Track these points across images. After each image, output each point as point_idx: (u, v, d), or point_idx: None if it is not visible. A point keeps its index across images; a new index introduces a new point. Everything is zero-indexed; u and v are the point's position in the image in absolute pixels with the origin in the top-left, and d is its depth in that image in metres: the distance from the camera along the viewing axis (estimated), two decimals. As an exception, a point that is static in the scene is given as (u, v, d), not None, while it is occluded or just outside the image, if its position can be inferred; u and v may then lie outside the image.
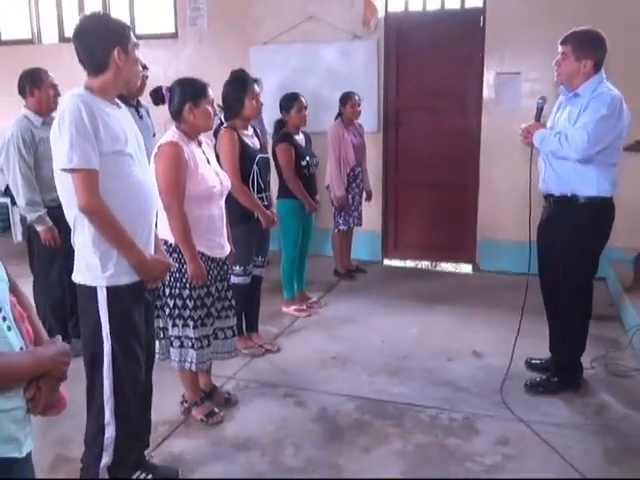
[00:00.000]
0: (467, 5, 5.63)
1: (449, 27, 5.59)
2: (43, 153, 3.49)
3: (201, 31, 6.29)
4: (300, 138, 4.46)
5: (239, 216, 3.47)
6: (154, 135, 3.97)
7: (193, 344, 2.91)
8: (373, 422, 3.09)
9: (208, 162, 2.92)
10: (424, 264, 6.14)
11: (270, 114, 4.63)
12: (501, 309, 4.41)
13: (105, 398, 2.27)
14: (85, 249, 2.20)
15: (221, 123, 3.84)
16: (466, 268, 5.93)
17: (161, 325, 2.95)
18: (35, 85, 3.70)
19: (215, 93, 2.93)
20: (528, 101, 4.90)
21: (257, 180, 3.63)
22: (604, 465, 2.71)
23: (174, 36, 6.46)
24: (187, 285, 2.85)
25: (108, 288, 2.20)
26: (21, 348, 1.42)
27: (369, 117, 5.66)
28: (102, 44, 2.16)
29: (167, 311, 2.91)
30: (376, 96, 5.79)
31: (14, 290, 1.55)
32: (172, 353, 2.95)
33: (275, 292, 4.70)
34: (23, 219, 3.79)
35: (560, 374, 3.36)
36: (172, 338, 2.93)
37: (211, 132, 3.69)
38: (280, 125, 4.47)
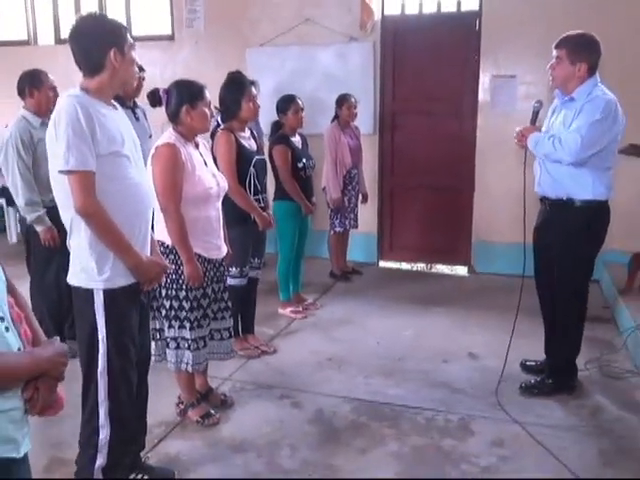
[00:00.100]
0: (463, 8, 5.65)
1: (445, 30, 5.61)
2: (41, 154, 3.49)
3: (197, 33, 6.30)
4: (297, 140, 4.47)
5: (236, 218, 3.47)
6: (150, 137, 3.98)
7: (189, 345, 2.91)
8: (369, 424, 3.09)
9: (205, 164, 2.92)
10: (420, 266, 6.15)
11: (267, 116, 4.64)
12: (496, 311, 4.42)
13: (100, 400, 2.27)
14: (81, 251, 2.20)
15: (218, 125, 3.85)
16: (461, 270, 5.95)
17: (157, 326, 2.95)
18: (34, 86, 3.71)
19: (212, 95, 2.94)
20: (523, 104, 4.93)
21: (254, 182, 3.64)
22: (598, 466, 2.72)
23: (170, 38, 6.47)
24: (183, 286, 2.85)
25: (104, 291, 2.20)
26: (19, 349, 1.42)
27: (365, 119, 5.68)
28: (98, 45, 2.15)
29: (163, 312, 2.91)
30: (372, 98, 5.81)
31: (12, 291, 1.55)
32: (168, 354, 2.95)
33: (271, 294, 4.71)
34: (22, 219, 3.79)
35: (555, 376, 3.37)
36: (168, 339, 2.93)
37: (208, 134, 3.70)
38: (277, 127, 4.48)
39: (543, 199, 3.31)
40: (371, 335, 4.24)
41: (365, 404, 3.28)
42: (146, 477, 2.55)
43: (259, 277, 3.96)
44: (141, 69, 3.96)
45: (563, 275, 3.25)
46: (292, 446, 2.89)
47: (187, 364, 2.94)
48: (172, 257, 2.81)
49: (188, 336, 2.91)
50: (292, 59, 5.94)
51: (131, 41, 2.23)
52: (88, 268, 2.19)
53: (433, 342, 4.11)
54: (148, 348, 2.59)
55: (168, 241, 2.80)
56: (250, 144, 3.65)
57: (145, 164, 2.58)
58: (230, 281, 3.44)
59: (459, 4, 5.65)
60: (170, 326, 2.91)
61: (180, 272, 2.82)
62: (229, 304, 3.14)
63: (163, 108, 2.88)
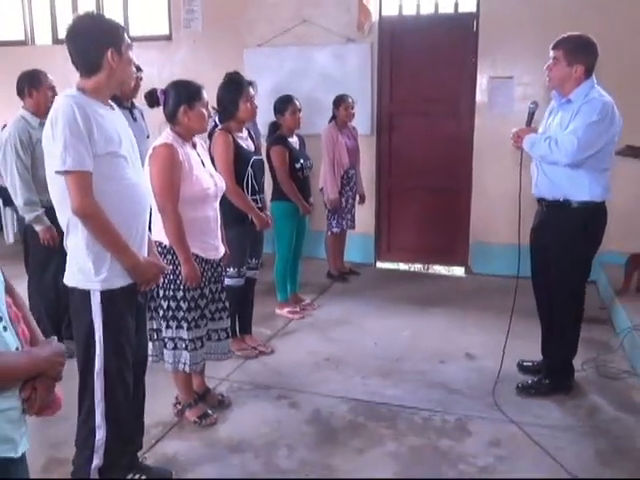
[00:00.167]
0: (460, 9, 5.66)
1: (443, 31, 5.62)
2: (40, 154, 3.46)
3: (195, 33, 6.30)
4: (294, 141, 4.47)
5: (233, 218, 3.47)
6: (148, 137, 3.98)
7: (187, 345, 2.91)
8: (366, 424, 3.10)
9: (203, 164, 2.92)
10: (417, 267, 6.16)
11: (264, 117, 4.63)
12: (493, 311, 4.42)
13: (96, 401, 2.27)
14: (78, 252, 2.19)
15: (215, 125, 3.85)
16: (459, 271, 5.96)
17: (155, 327, 2.95)
18: (34, 86, 3.71)
19: (209, 95, 2.94)
20: (521, 105, 4.93)
21: (251, 182, 3.64)
22: (595, 466, 2.73)
23: (168, 38, 6.46)
24: (181, 287, 2.85)
25: (101, 292, 2.20)
26: (17, 348, 1.42)
27: (363, 120, 5.68)
28: (95, 45, 2.15)
29: (161, 312, 2.91)
30: (370, 99, 5.82)
31: (9, 291, 1.55)
32: (166, 354, 2.95)
33: (269, 294, 4.71)
34: (20, 219, 3.79)
35: (552, 376, 3.38)
36: (166, 339, 2.93)
37: (205, 134, 3.71)
38: (274, 128, 4.48)
39: (540, 200, 3.32)
40: (368, 335, 4.24)
41: (362, 404, 3.29)
42: (143, 477, 2.54)
43: (257, 277, 3.96)
44: (139, 69, 3.97)
45: (560, 276, 3.26)
46: (289, 446, 2.89)
47: (184, 364, 2.94)
48: (170, 257, 2.81)
49: (185, 336, 2.90)
50: (290, 60, 5.95)
51: (128, 41, 2.23)
52: (85, 269, 2.19)
53: (430, 343, 4.11)
54: (145, 348, 2.59)
55: (166, 241, 2.80)
56: (248, 144, 3.65)
57: (143, 164, 2.59)
58: (228, 281, 3.44)
59: (457, 5, 5.66)
60: (168, 326, 2.91)
61: (178, 272, 2.82)
62: (226, 304, 3.14)
63: (161, 108, 2.88)
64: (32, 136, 3.61)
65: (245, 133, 3.69)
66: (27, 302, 2.05)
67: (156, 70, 5.85)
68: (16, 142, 3.58)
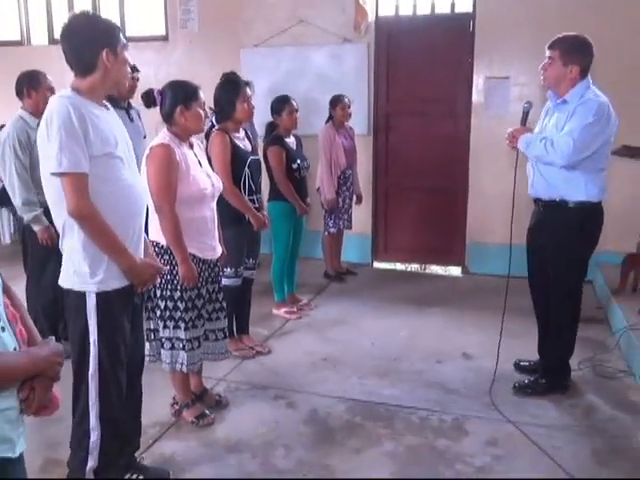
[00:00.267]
0: (457, 10, 5.67)
1: (439, 32, 5.63)
2: (38, 154, 3.49)
3: (192, 33, 6.29)
4: (291, 141, 4.47)
5: (230, 218, 3.47)
6: (145, 137, 3.97)
7: (184, 346, 2.91)
8: (364, 424, 3.10)
9: (200, 164, 2.92)
10: (414, 267, 6.16)
11: (261, 117, 4.64)
12: (490, 311, 4.40)
13: (90, 403, 2.26)
14: (74, 254, 2.18)
15: (212, 125, 3.85)
16: (455, 271, 5.97)
17: (152, 327, 2.95)
18: (32, 87, 3.71)
19: (206, 95, 2.94)
20: (517, 105, 4.92)
21: (248, 182, 3.64)
22: (592, 466, 2.74)
23: (165, 38, 6.45)
24: (178, 287, 2.85)
25: (97, 294, 2.19)
26: (15, 349, 1.42)
27: (359, 120, 5.68)
28: (91, 44, 2.13)
29: (158, 313, 2.91)
30: (366, 99, 5.82)
31: (7, 291, 1.55)
32: (163, 355, 2.95)
33: (266, 294, 4.71)
34: (18, 220, 3.78)
35: (548, 376, 3.39)
36: (163, 340, 2.93)
37: (202, 134, 3.70)
38: (271, 128, 4.48)
39: (536, 200, 3.33)
40: (365, 335, 4.25)
41: (360, 404, 3.29)
42: (141, 477, 2.55)
43: (254, 277, 3.96)
44: (136, 70, 3.97)
45: (557, 276, 3.26)
46: (287, 446, 2.90)
47: (182, 364, 2.94)
48: (167, 257, 2.81)
49: (183, 336, 2.90)
50: (286, 60, 5.95)
51: (124, 41, 2.21)
52: (81, 271, 2.18)
53: (427, 342, 4.12)
54: (142, 348, 2.59)
55: (163, 241, 2.80)
56: (245, 145, 3.65)
57: (139, 165, 2.58)
58: (225, 281, 3.44)
59: (453, 5, 5.67)
60: (165, 326, 2.91)
61: (175, 272, 2.82)
62: (224, 304, 3.14)
63: (157, 109, 2.88)
64: (31, 136, 3.61)
65: (242, 133, 3.69)
66: (25, 303, 2.05)
67: (153, 70, 5.85)
68: (15, 142, 3.59)
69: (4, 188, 3.75)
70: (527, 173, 3.35)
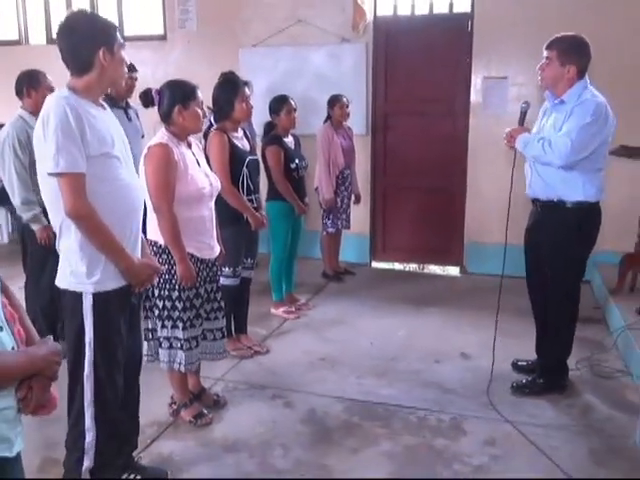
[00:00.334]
0: (455, 10, 5.67)
1: (437, 32, 5.63)
2: None
3: (190, 33, 6.29)
4: (289, 141, 4.47)
5: (228, 218, 3.47)
6: (143, 137, 3.98)
7: (182, 345, 2.91)
8: (361, 423, 3.10)
9: (198, 164, 2.92)
10: (412, 267, 6.16)
11: (259, 116, 4.64)
12: (488, 311, 4.39)
13: (86, 404, 2.26)
14: (71, 254, 2.18)
15: (211, 125, 3.85)
16: (453, 271, 5.97)
17: (150, 326, 2.95)
18: (32, 86, 3.71)
19: (204, 95, 2.93)
20: (515, 105, 4.89)
21: (247, 182, 3.64)
22: (589, 465, 2.74)
23: (163, 38, 6.45)
24: (176, 286, 2.85)
25: (94, 294, 2.18)
26: (13, 348, 1.42)
27: (358, 120, 5.69)
28: (87, 43, 2.12)
29: (156, 312, 2.91)
30: (365, 99, 5.82)
31: (5, 291, 1.55)
32: (161, 354, 2.95)
33: (264, 294, 4.71)
34: (17, 219, 3.78)
35: (546, 376, 3.39)
36: (161, 339, 2.93)
37: (201, 134, 3.70)
38: (269, 127, 4.48)
39: (534, 201, 3.33)
40: (364, 335, 4.25)
41: (358, 404, 3.29)
42: (139, 477, 2.54)
43: (252, 277, 3.96)
44: (134, 69, 3.97)
45: (555, 276, 3.27)
46: (284, 446, 2.90)
47: (180, 364, 2.94)
48: (165, 257, 2.81)
49: (181, 336, 2.90)
50: (285, 60, 5.95)
51: (121, 40, 2.20)
52: (78, 271, 2.17)
53: (425, 342, 4.12)
54: (139, 348, 2.59)
55: (161, 241, 2.80)
56: (243, 144, 3.65)
57: (137, 164, 2.58)
58: (223, 281, 3.44)
59: (451, 5, 5.67)
60: (163, 326, 2.91)
61: (173, 272, 2.82)
62: (222, 304, 3.14)
63: (155, 108, 2.87)
64: (30, 136, 3.57)
65: (240, 133, 3.69)
66: (24, 303, 2.04)
67: (151, 70, 5.83)
68: (14, 142, 3.59)
69: (3, 187, 3.75)
70: (525, 173, 3.35)
